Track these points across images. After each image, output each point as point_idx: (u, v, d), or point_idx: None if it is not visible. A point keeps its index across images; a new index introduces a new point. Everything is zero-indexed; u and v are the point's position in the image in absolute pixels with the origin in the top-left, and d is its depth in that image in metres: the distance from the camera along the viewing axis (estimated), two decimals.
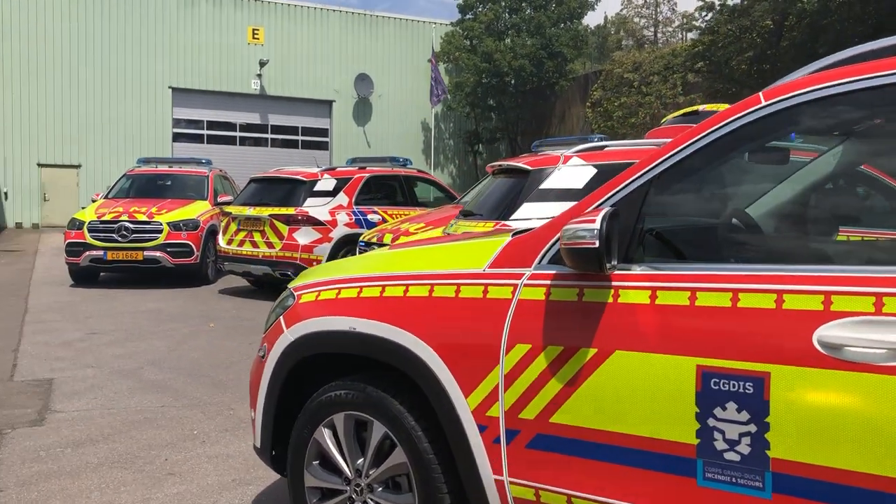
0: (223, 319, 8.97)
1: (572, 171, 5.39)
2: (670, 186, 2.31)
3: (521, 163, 5.53)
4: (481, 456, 2.40)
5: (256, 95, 30.96)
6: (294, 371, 2.98)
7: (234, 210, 10.93)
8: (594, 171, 5.38)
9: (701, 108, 9.96)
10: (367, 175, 11.12)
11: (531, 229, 2.60)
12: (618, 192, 2.29)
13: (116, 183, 13.32)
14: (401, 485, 2.67)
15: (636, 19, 25.10)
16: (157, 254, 11.35)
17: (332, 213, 10.43)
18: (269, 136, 31.80)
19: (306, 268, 10.01)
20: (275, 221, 10.28)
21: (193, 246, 11.55)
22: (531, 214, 5.29)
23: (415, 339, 2.55)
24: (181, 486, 3.87)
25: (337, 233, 10.36)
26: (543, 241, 2.42)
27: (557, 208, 5.36)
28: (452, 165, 34.03)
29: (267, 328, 3.19)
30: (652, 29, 25.10)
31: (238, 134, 31.29)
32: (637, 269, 2.19)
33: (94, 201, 12.65)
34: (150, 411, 5.21)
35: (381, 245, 8.46)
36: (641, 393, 2.08)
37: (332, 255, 10.29)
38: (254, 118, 31.50)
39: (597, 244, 2.07)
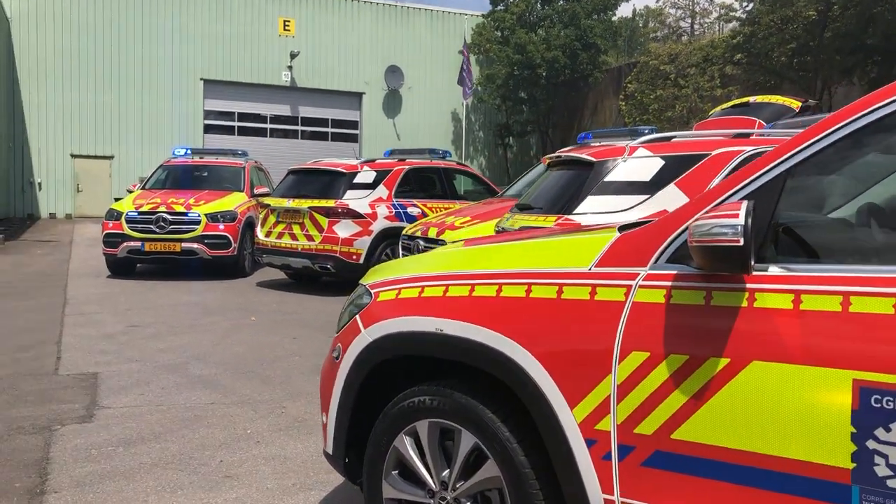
0: (264, 313, 8.83)
1: (639, 163, 5.16)
2: (809, 177, 2.08)
3: (583, 154, 5.30)
4: (589, 473, 2.19)
5: (287, 87, 30.93)
6: (371, 374, 2.79)
7: (272, 202, 10.79)
8: (662, 162, 5.14)
9: (752, 99, 9.64)
10: (406, 167, 10.93)
11: (641, 224, 2.38)
12: (752, 181, 2.05)
13: (153, 174, 13.25)
14: (491, 500, 2.47)
15: (671, 10, 24.61)
16: (195, 245, 11.24)
17: (371, 206, 10.26)
18: (300, 128, 31.76)
19: (346, 261, 9.87)
20: (314, 214, 10.12)
21: (231, 238, 11.44)
22: (596, 208, 5.06)
23: (511, 344, 2.34)
24: (240, 490, 3.70)
25: (377, 226, 10.19)
26: (660, 237, 2.20)
27: (624, 202, 5.14)
28: (482, 158, 33.78)
29: (340, 328, 3.00)
30: (688, 20, 24.60)
31: (268, 126, 31.28)
32: (775, 270, 1.97)
33: (130, 192, 12.58)
34: (200, 408, 5.06)
35: (425, 239, 8.27)
36: (784, 409, 1.85)
37: (372, 249, 10.12)
38: (284, 110, 31.48)
39: (741, 242, 1.84)
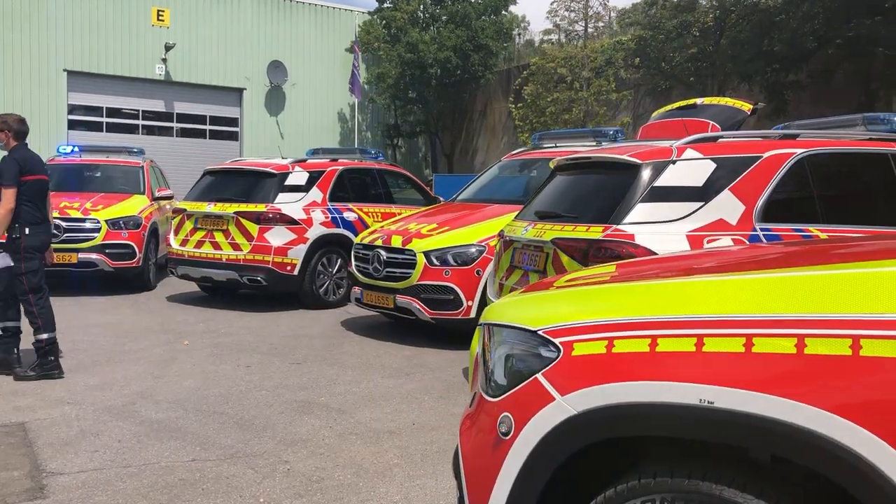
0: (194, 335, 7.70)
1: (689, 166, 4.59)
2: None
3: (625, 155, 4.69)
4: None
5: (161, 81, 28.90)
6: (570, 460, 2.01)
7: (188, 206, 9.57)
8: (713, 165, 4.60)
9: (699, 101, 9.45)
10: (340, 168, 9.99)
11: None
12: None
13: None
14: None
15: (565, 12, 24.69)
16: (94, 256, 9.83)
17: (306, 211, 9.27)
18: (175, 124, 29.78)
19: (279, 273, 8.89)
20: (242, 220, 9.03)
21: (136, 247, 10.10)
22: (650, 217, 4.46)
23: (840, 423, 1.64)
24: None
25: (313, 233, 9.22)
26: None
27: (677, 209, 4.55)
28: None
29: (500, 390, 2.20)
30: (582, 23, 24.79)
31: (140, 122, 29.14)
32: None
33: None
34: (182, 468, 4.05)
35: (387, 249, 7.44)
36: None
37: (308, 258, 9.16)
38: (158, 105, 29.43)
39: None
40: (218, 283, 9.58)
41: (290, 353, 6.92)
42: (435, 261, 7.05)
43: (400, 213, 9.98)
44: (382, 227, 8.14)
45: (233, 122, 31.05)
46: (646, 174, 4.56)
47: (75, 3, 27.03)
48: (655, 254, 4.27)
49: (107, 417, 4.91)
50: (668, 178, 4.54)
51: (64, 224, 9.75)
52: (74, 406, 5.15)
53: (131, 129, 28.85)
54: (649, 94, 22.49)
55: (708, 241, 4.37)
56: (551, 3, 24.85)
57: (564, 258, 4.65)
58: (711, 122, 8.12)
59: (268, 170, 9.42)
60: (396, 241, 7.35)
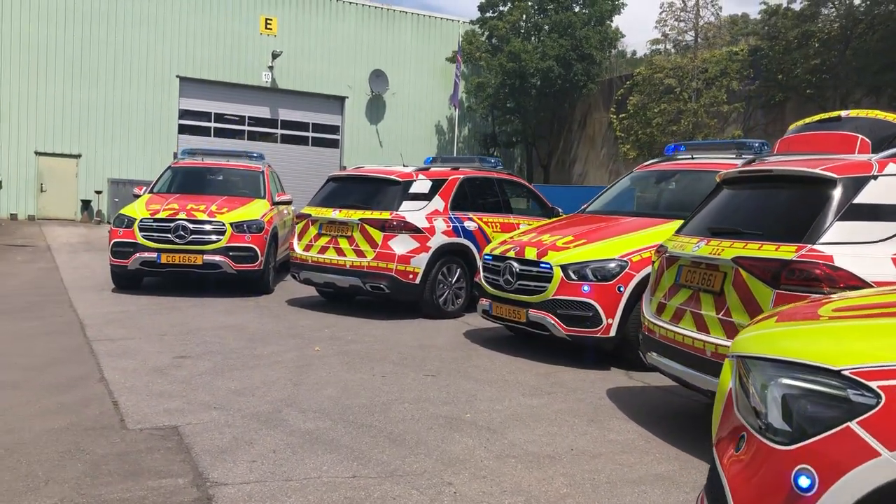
0: (322, 341, 7.64)
1: (894, 182, 4.19)
2: None
3: (818, 168, 4.32)
4: None
5: (267, 88, 29.65)
6: None
7: (313, 212, 9.57)
8: None
9: (843, 113, 8.81)
10: (461, 177, 9.82)
11: None
12: None
13: (161, 176, 11.87)
14: None
15: (675, 22, 23.99)
16: (218, 258, 9.93)
17: (429, 220, 9.13)
18: (279, 131, 30.48)
19: (402, 281, 8.77)
20: (366, 227, 8.95)
21: (258, 250, 10.16)
22: (849, 237, 4.07)
23: None
24: None
25: (435, 242, 9.07)
26: None
27: (879, 230, 4.14)
28: None
29: (782, 434, 1.91)
30: (692, 33, 24.03)
31: (246, 128, 29.93)
32: None
33: (136, 196, 11.21)
34: (345, 485, 3.89)
35: (520, 261, 7.21)
36: None
37: (430, 267, 9.01)
38: (263, 112, 30.20)
39: None
40: (340, 289, 9.54)
41: (422, 365, 6.75)
42: (573, 275, 6.76)
43: (519, 224, 9.76)
44: (513, 237, 7.91)
45: (334, 129, 31.55)
46: (843, 190, 4.18)
47: (189, 12, 27.97)
48: (858, 277, 3.89)
49: (256, 425, 4.82)
50: (869, 195, 4.14)
51: (191, 226, 9.90)
52: (221, 411, 5.09)
53: (236, 135, 29.65)
54: (762, 106, 21.64)
55: None
56: (660, 13, 24.18)
57: (747, 277, 4.30)
58: (860, 136, 7.59)
59: (392, 177, 9.33)
60: (530, 253, 7.10)
